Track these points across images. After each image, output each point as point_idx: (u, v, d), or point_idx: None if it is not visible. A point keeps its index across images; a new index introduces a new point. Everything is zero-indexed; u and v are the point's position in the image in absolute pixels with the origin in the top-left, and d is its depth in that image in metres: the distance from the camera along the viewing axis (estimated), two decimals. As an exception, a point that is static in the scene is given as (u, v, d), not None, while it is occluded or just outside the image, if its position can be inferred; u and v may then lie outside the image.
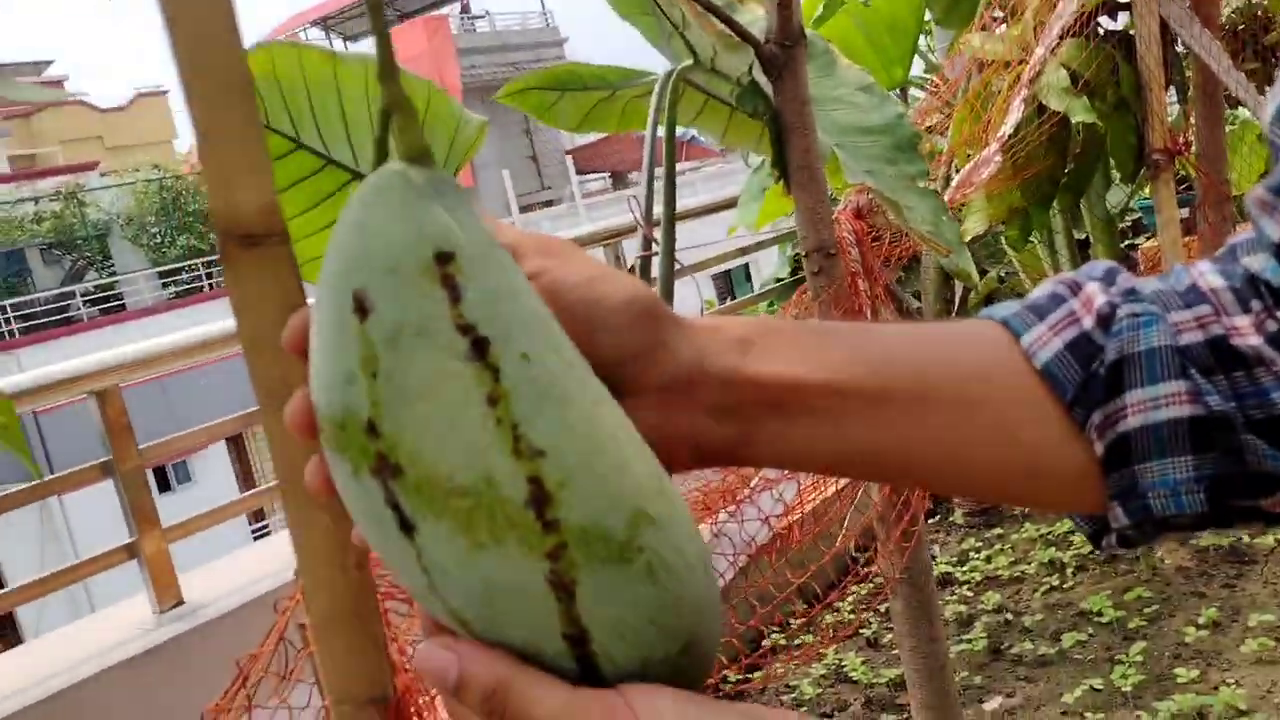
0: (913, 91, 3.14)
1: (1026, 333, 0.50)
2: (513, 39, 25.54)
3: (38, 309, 16.88)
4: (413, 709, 0.69)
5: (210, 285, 18.05)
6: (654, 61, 2.04)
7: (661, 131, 1.67)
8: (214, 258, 17.97)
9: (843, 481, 1.63)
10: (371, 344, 0.40)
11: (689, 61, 1.60)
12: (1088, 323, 0.50)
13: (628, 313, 0.47)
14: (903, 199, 1.52)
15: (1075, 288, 0.51)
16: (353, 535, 0.47)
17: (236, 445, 14.00)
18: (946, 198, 2.01)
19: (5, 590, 2.58)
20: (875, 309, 1.52)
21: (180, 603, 2.38)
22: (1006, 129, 2.13)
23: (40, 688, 2.04)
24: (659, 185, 1.64)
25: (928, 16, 3.06)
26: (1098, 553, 2.63)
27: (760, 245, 4.14)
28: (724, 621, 0.45)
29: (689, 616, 0.41)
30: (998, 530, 3.20)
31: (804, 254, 1.44)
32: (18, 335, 15.51)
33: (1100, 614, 2.81)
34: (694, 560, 0.42)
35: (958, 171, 2.27)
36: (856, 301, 1.46)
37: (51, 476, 2.50)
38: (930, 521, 2.69)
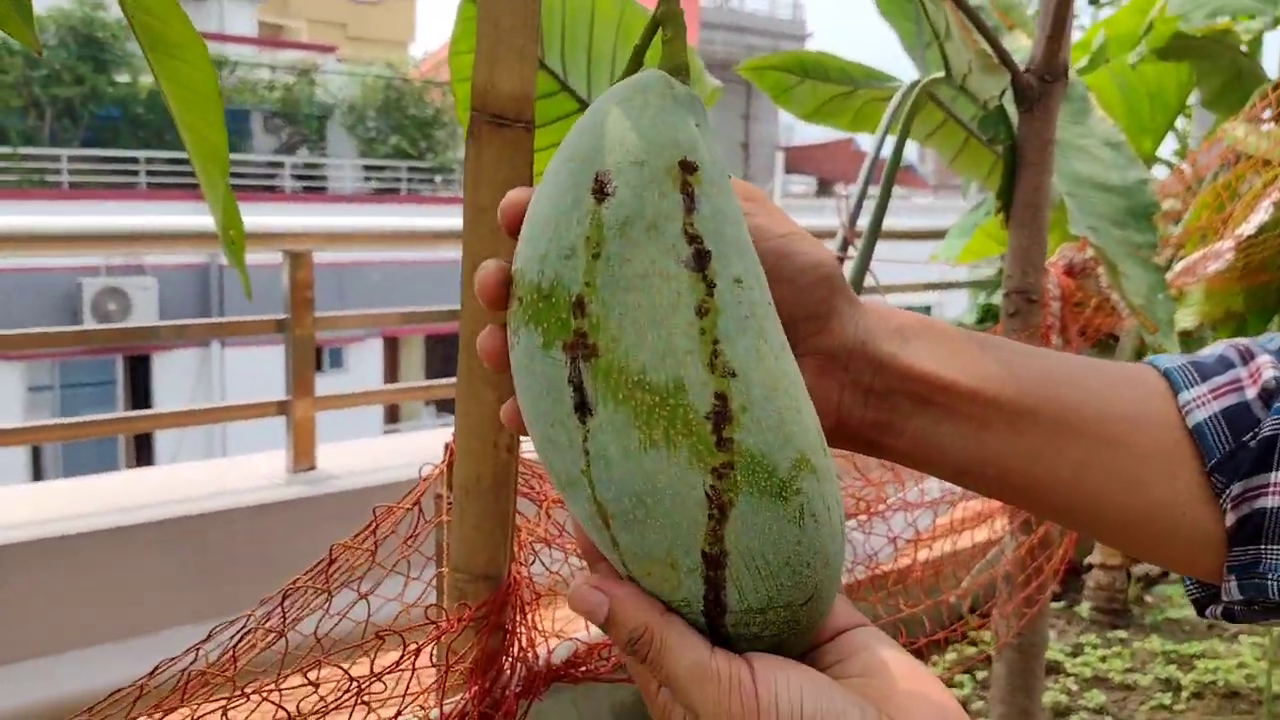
0: (1157, 169, 3.01)
1: (1186, 390, 0.49)
2: (758, 23, 25.48)
3: (248, 170, 17.73)
4: (518, 599, 0.71)
5: (407, 189, 18.66)
6: (899, 72, 2.00)
7: (892, 139, 1.64)
8: (417, 164, 18.59)
9: (980, 534, 1.58)
10: (602, 226, 0.41)
11: (940, 74, 1.57)
12: (1250, 393, 0.49)
13: (814, 274, 0.48)
14: (1123, 264, 1.46)
15: (1247, 356, 0.50)
16: (505, 415, 0.48)
17: (391, 346, 14.50)
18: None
19: (159, 411, 2.72)
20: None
21: (313, 467, 2.48)
22: (1248, 228, 2.02)
23: (165, 508, 2.16)
24: (873, 191, 1.62)
25: (1193, 98, 2.92)
26: (1219, 684, 2.50)
27: (951, 285, 4.04)
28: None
29: (821, 571, 0.41)
30: (1121, 633, 3.06)
31: (1005, 293, 1.40)
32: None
33: (1204, 748, 2.67)
34: (837, 522, 0.43)
35: (1183, 258, 2.17)
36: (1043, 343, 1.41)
37: (231, 319, 2.63)
38: (1055, 604, 2.59)
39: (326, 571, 0.71)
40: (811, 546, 0.41)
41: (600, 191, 0.42)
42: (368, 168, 19.12)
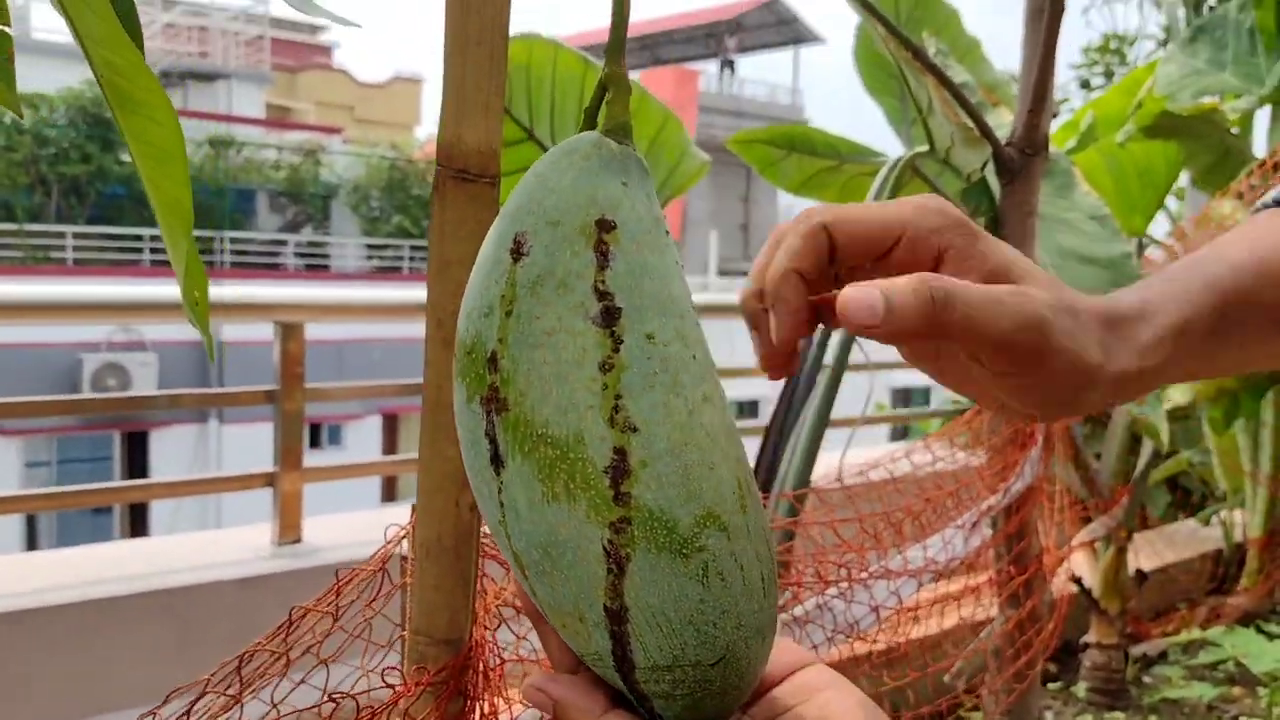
0: (1149, 249, 3.03)
1: None
2: (757, 108, 25.89)
3: (252, 248, 17.88)
4: (481, 664, 0.69)
5: (409, 267, 18.80)
6: (889, 149, 2.02)
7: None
8: (419, 243, 18.75)
9: (967, 610, 1.56)
10: (515, 284, 0.43)
11: (924, 148, 1.59)
12: None
13: (1024, 337, 0.46)
14: (1107, 336, 1.46)
15: None
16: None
17: (390, 422, 14.47)
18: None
19: (149, 481, 2.71)
20: (1049, 440, 1.46)
21: (299, 540, 2.45)
22: (1235, 303, 2.02)
23: (145, 581, 2.13)
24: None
25: (1184, 180, 2.94)
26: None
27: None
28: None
29: (731, 632, 0.41)
30: (1119, 714, 3.00)
31: (990, 363, 1.39)
32: (228, 267, 16.46)
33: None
34: (754, 581, 0.42)
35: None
36: (1031, 426, 1.40)
37: (221, 390, 2.62)
38: (1052, 685, 2.54)
39: (286, 636, 0.69)
40: (718, 605, 0.40)
41: (517, 251, 0.43)
42: (370, 246, 19.29)
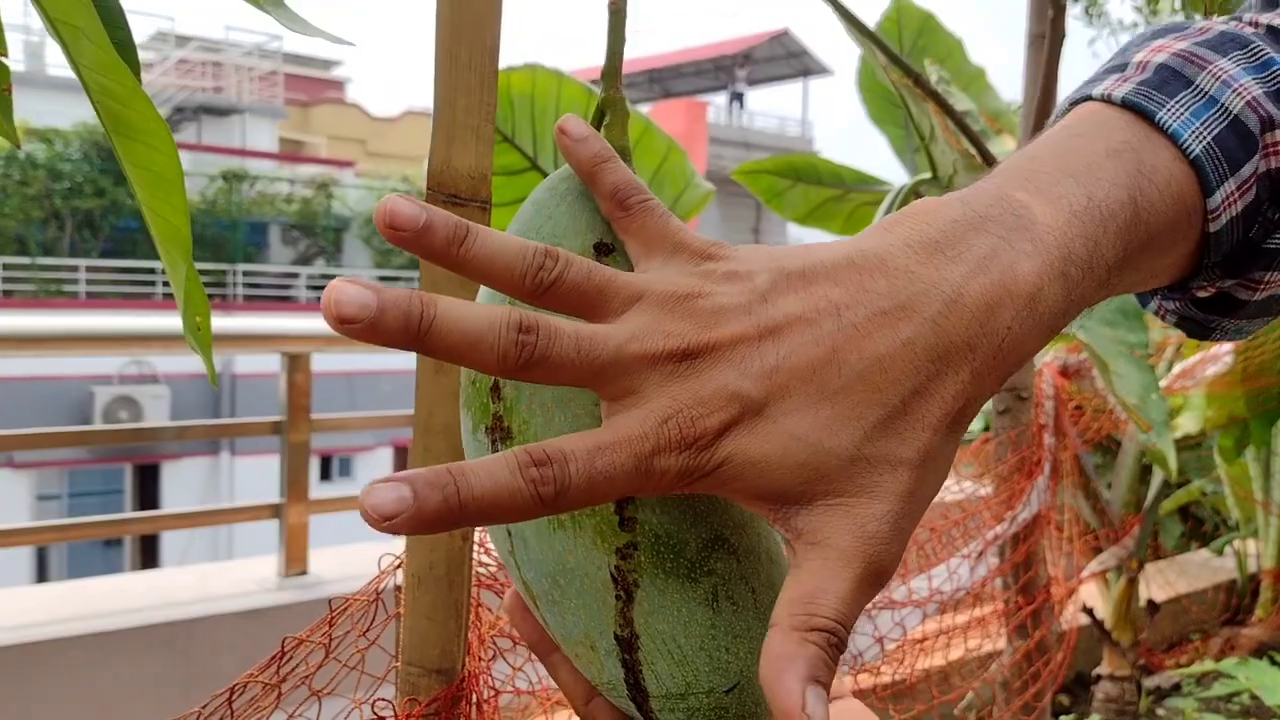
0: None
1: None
2: (767, 140, 26.01)
3: (264, 280, 17.98)
4: (475, 695, 0.68)
5: (421, 299, 18.84)
6: (896, 179, 2.02)
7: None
8: (432, 275, 18.78)
9: (972, 640, 1.54)
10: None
11: (927, 175, 1.59)
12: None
13: None
14: (1113, 363, 1.45)
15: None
16: None
17: (401, 455, 14.48)
18: (1164, 384, 1.91)
19: (156, 513, 2.71)
20: (1057, 468, 1.45)
21: (304, 572, 2.44)
22: (1244, 330, 2.02)
23: (149, 614, 2.13)
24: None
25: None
26: None
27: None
28: None
29: (745, 658, 0.40)
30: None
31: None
32: (240, 299, 16.55)
33: None
34: (765, 605, 0.41)
35: (1183, 359, 2.16)
36: (1038, 454, 1.39)
37: (228, 420, 2.63)
38: (1065, 717, 2.50)
39: (278, 667, 0.69)
40: (729, 630, 0.39)
41: None
42: (382, 278, 19.36)
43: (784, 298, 0.35)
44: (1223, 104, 0.41)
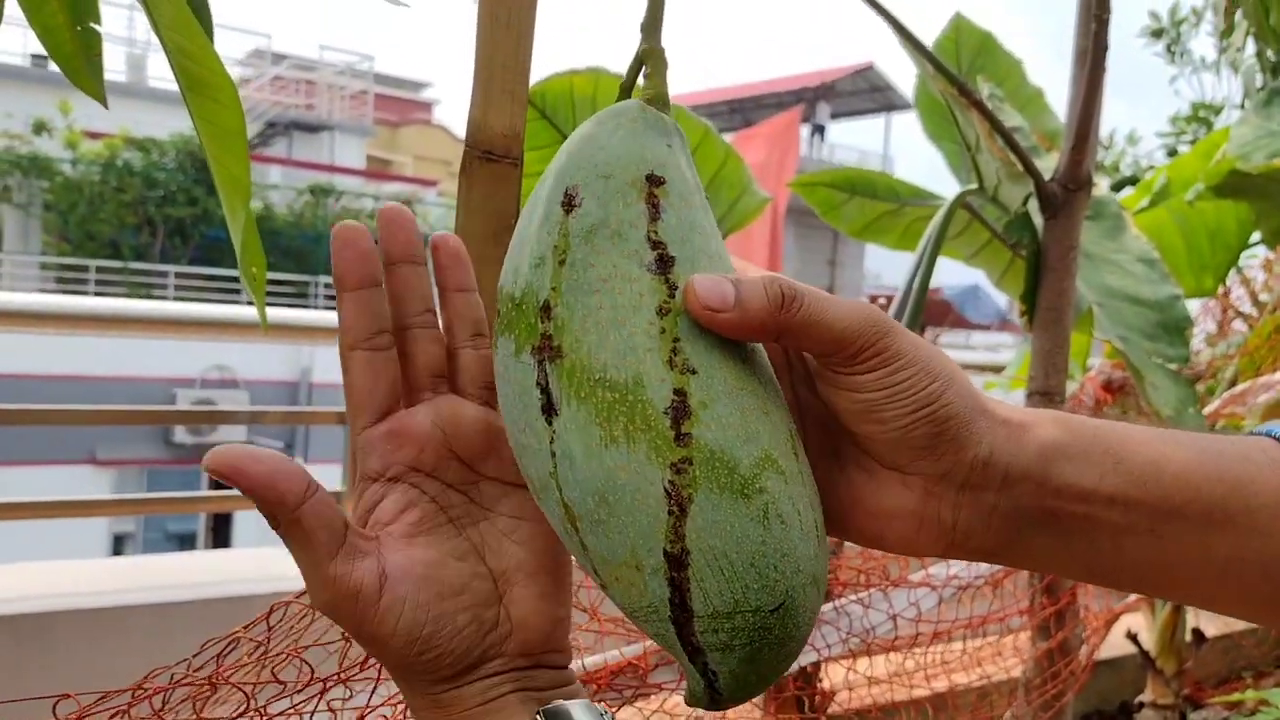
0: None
1: None
2: (844, 174, 25.82)
3: (343, 294, 18.33)
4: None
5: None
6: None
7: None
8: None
9: (1009, 659, 1.55)
10: (568, 234, 0.43)
11: (974, 185, 1.62)
12: None
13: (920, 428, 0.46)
14: (1150, 375, 1.47)
15: None
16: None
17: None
18: (1210, 409, 1.90)
19: (226, 493, 2.81)
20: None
21: (362, 558, 2.52)
22: (1299, 359, 2.01)
23: (224, 586, 2.22)
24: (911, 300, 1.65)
25: (1256, 236, 2.91)
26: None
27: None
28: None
29: (791, 576, 0.40)
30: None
31: (1028, 394, 1.41)
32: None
33: None
34: (809, 526, 0.42)
35: (1233, 385, 2.14)
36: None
37: (301, 408, 2.73)
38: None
39: (199, 668, 0.71)
40: (779, 548, 0.40)
41: (569, 204, 0.44)
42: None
43: None
44: None
